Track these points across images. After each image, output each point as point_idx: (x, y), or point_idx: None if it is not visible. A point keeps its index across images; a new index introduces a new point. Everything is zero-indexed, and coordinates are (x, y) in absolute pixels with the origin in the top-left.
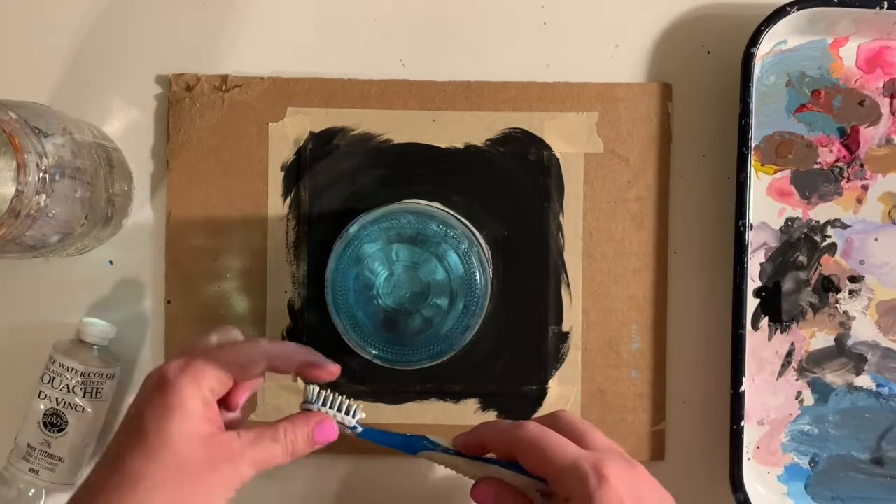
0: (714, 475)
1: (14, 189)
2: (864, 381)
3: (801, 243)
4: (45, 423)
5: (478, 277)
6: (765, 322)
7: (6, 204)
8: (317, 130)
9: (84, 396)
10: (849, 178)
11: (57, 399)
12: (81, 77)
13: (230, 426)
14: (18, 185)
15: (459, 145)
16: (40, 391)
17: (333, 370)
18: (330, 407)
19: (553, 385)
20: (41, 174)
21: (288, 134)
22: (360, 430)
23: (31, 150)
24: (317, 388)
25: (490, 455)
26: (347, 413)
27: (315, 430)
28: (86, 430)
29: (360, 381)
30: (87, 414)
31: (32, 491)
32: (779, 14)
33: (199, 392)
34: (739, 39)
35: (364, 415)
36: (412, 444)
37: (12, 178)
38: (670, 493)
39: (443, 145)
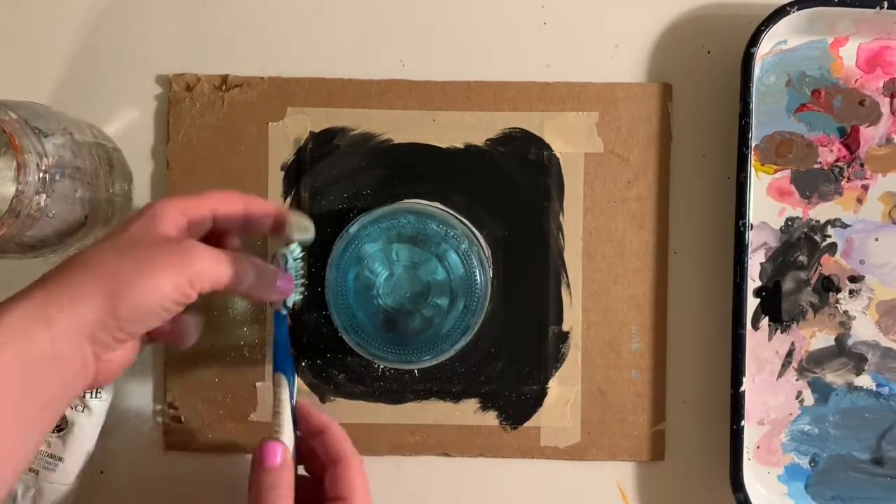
0: (714, 475)
1: (14, 189)
2: (864, 380)
3: (802, 243)
4: None
5: (478, 277)
6: (765, 322)
7: (6, 204)
8: (317, 130)
9: (84, 396)
10: (849, 178)
11: None
12: (81, 77)
13: None
14: (18, 185)
15: (459, 145)
16: None
17: (278, 214)
18: (296, 274)
19: (553, 385)
20: (41, 174)
21: (288, 134)
22: (284, 313)
23: (31, 150)
24: (298, 250)
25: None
26: (302, 294)
27: (280, 283)
28: (86, 431)
29: (360, 381)
30: (87, 414)
31: (32, 491)
32: (779, 14)
33: (174, 212)
34: (739, 39)
35: (296, 300)
36: (282, 365)
37: (12, 178)
38: (671, 493)
39: (443, 145)
